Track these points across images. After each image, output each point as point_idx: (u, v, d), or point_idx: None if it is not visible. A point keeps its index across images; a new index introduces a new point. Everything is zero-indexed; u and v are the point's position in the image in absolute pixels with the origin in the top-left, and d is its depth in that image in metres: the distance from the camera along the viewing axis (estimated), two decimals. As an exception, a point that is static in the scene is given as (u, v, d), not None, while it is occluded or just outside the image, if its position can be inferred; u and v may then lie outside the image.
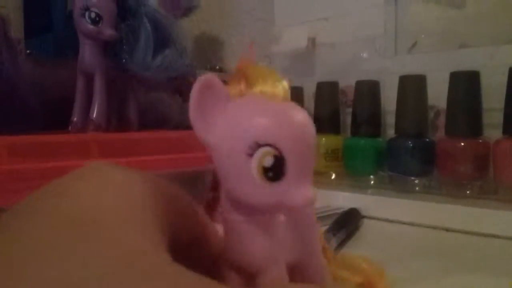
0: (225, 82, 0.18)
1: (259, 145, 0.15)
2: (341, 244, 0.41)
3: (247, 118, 0.16)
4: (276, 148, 0.15)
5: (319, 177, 0.63)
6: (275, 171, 0.15)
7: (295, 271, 0.19)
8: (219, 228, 0.19)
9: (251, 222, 0.17)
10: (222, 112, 0.16)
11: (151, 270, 0.11)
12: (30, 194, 0.14)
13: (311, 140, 0.16)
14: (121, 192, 0.14)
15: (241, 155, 0.15)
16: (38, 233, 0.12)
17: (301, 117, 0.16)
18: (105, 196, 0.14)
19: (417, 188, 0.55)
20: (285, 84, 0.17)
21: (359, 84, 0.62)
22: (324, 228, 0.41)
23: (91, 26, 0.44)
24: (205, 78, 0.16)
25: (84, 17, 0.44)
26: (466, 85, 0.52)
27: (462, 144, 0.51)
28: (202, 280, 0.12)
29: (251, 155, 0.15)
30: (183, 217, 0.18)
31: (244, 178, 0.16)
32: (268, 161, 0.15)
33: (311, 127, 0.16)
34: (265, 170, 0.15)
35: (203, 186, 0.50)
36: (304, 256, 0.19)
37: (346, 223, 0.44)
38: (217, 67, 0.84)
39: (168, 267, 0.12)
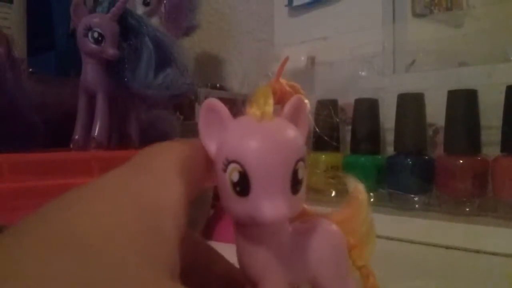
0: (223, 100, 0.18)
1: (229, 161, 0.16)
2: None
3: (226, 137, 0.17)
4: (240, 164, 0.16)
5: (318, 195, 0.63)
6: (241, 186, 0.16)
7: None
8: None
9: (247, 234, 0.18)
10: (222, 131, 0.18)
11: None
12: (38, 209, 0.13)
13: (280, 158, 0.17)
14: (132, 213, 0.13)
15: (220, 170, 0.17)
16: (32, 253, 0.11)
17: (275, 135, 0.17)
18: (118, 218, 0.13)
19: (416, 206, 0.55)
20: (268, 105, 0.18)
21: (358, 102, 0.63)
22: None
23: (93, 46, 0.45)
24: (207, 101, 0.18)
25: (87, 36, 0.45)
26: (464, 103, 0.53)
27: (461, 161, 0.51)
28: None
29: (224, 170, 0.17)
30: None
31: (224, 191, 0.17)
32: (235, 177, 0.16)
33: (284, 145, 0.17)
34: (233, 185, 0.16)
35: (206, 203, 0.50)
36: (322, 279, 0.19)
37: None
38: (218, 85, 0.84)
39: None
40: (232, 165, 0.16)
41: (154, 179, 0.16)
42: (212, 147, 0.18)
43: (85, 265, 0.11)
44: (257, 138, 0.17)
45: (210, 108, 0.18)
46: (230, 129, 0.17)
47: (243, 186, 0.16)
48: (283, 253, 0.18)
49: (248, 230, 0.18)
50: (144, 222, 0.13)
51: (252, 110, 0.18)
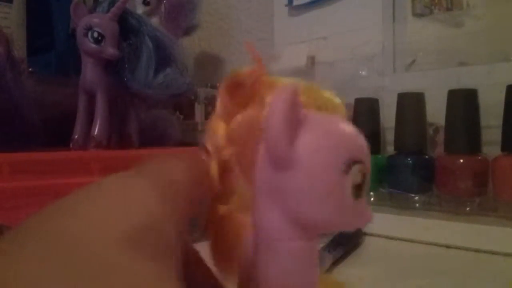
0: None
1: (354, 162, 0.15)
2: (338, 261, 0.41)
3: (341, 134, 0.15)
4: (364, 165, 0.15)
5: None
6: (361, 188, 0.15)
7: None
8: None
9: (311, 249, 0.16)
10: (302, 126, 0.15)
11: None
12: (39, 211, 0.13)
13: None
14: (135, 220, 0.13)
15: (335, 172, 0.14)
16: (36, 256, 0.11)
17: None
18: (115, 217, 0.13)
19: (417, 205, 0.55)
20: (342, 101, 0.17)
21: (359, 101, 0.63)
22: (321, 245, 0.41)
23: (93, 45, 0.45)
24: (293, 88, 0.15)
25: (87, 36, 0.45)
26: (464, 102, 0.53)
27: (461, 161, 0.51)
28: None
29: (346, 172, 0.15)
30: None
31: (333, 196, 0.15)
32: (359, 178, 0.15)
33: None
34: (355, 187, 0.15)
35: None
36: None
37: (344, 240, 0.44)
38: (218, 85, 0.85)
39: None
40: (357, 166, 0.15)
41: (158, 188, 0.15)
42: (290, 147, 0.15)
43: (88, 273, 0.11)
44: (363, 137, 0.16)
45: (295, 98, 0.15)
46: (333, 127, 0.15)
47: (362, 188, 0.15)
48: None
49: (314, 243, 0.16)
50: (147, 229, 0.13)
51: (330, 107, 0.17)
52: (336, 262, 0.41)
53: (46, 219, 0.13)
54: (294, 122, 0.15)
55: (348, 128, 0.16)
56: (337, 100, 0.17)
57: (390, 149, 0.61)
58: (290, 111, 0.14)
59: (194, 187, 0.16)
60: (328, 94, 0.17)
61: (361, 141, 0.15)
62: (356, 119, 0.63)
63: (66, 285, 0.10)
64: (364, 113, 0.62)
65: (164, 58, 0.49)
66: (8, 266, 0.11)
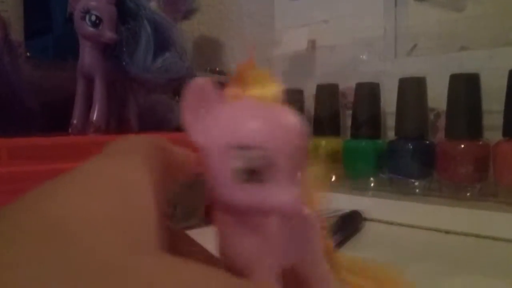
0: (222, 84, 0.18)
1: (245, 147, 0.15)
2: (338, 246, 0.41)
3: (234, 120, 0.16)
4: (262, 150, 0.15)
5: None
6: (258, 173, 0.15)
7: (296, 278, 0.19)
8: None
9: (238, 223, 0.17)
10: (213, 114, 0.17)
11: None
12: (23, 195, 0.13)
13: (297, 142, 0.16)
14: (108, 194, 0.14)
15: (227, 156, 0.16)
16: (13, 237, 0.11)
17: (289, 119, 0.16)
18: (96, 201, 0.13)
19: (417, 190, 0.55)
20: (276, 86, 0.17)
21: (359, 86, 0.62)
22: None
23: (91, 29, 0.45)
24: (196, 82, 0.17)
25: (85, 19, 0.44)
26: (465, 87, 0.52)
27: (462, 146, 0.51)
28: (200, 269, 0.12)
29: (237, 156, 0.15)
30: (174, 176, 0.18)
31: (229, 179, 0.16)
32: (253, 163, 0.15)
33: (298, 129, 0.16)
34: (249, 172, 0.15)
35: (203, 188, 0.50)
36: (303, 262, 0.19)
37: (345, 225, 0.44)
38: (217, 69, 0.84)
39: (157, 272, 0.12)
40: (251, 151, 0.15)
41: (129, 161, 0.15)
42: (197, 133, 0.17)
43: (63, 252, 0.11)
44: (279, 122, 0.16)
45: (198, 89, 0.17)
46: (230, 113, 0.16)
47: (260, 173, 0.15)
48: (274, 242, 0.18)
49: (246, 218, 0.17)
50: (121, 202, 0.13)
51: (255, 92, 0.17)
52: (336, 247, 0.41)
53: (28, 203, 0.13)
54: (199, 114, 0.17)
55: (244, 113, 0.16)
56: (271, 88, 0.17)
57: (390, 134, 0.61)
58: (193, 105, 0.17)
59: (166, 162, 0.17)
60: (263, 80, 0.18)
61: (251, 126, 0.16)
62: (356, 104, 0.62)
63: (43, 272, 0.10)
64: (365, 98, 0.62)
65: (163, 42, 0.49)
66: None
